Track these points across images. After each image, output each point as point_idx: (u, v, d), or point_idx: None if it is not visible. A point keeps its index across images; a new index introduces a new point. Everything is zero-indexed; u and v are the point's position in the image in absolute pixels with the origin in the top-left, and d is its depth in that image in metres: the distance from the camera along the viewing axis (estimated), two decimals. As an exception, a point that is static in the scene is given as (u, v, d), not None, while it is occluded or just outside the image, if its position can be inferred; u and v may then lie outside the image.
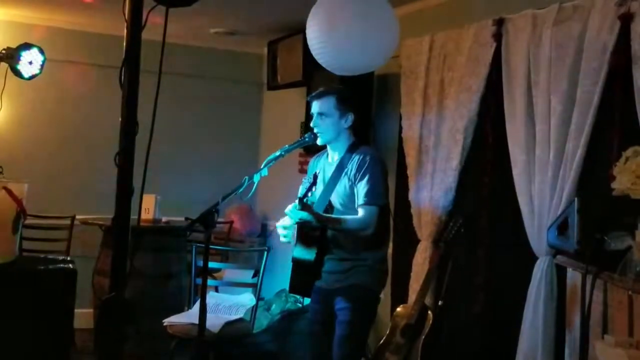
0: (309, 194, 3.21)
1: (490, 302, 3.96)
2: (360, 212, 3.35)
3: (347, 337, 3.41)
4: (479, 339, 4.00)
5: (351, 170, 3.42)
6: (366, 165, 3.38)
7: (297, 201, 3.25)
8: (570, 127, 3.36)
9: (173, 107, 6.32)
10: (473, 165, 4.13)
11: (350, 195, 3.41)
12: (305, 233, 3.37)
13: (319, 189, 3.50)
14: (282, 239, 3.45)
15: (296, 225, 3.38)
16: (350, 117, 3.49)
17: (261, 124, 7.32)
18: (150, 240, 5.25)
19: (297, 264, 3.41)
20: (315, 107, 3.48)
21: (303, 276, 3.42)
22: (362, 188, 3.35)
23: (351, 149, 3.50)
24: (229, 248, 5.99)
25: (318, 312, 3.61)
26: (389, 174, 3.60)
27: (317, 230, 3.35)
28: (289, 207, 3.33)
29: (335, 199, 3.47)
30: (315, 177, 3.34)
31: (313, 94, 3.55)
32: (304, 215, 3.25)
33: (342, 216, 3.40)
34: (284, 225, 3.41)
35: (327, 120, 3.45)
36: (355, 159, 3.43)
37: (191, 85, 6.80)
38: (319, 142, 3.51)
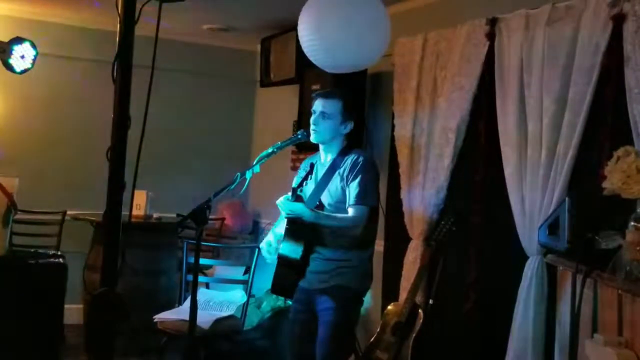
0: (305, 184, 3.21)
1: (481, 301, 3.97)
2: (351, 211, 3.34)
3: (331, 337, 3.39)
4: (470, 338, 4.01)
5: (344, 170, 3.41)
6: (359, 166, 3.37)
7: (289, 193, 3.23)
8: (562, 127, 3.37)
9: (166, 103, 6.30)
10: (465, 165, 4.13)
11: (341, 196, 3.40)
12: (294, 229, 3.37)
13: (310, 188, 3.50)
14: (266, 254, 3.51)
15: (286, 220, 3.39)
16: (350, 126, 3.48)
17: (254, 120, 7.31)
18: (142, 236, 5.25)
19: (283, 261, 3.41)
20: (320, 105, 3.44)
21: (287, 275, 3.42)
22: (353, 188, 3.35)
23: (344, 151, 3.49)
24: (220, 245, 5.98)
25: (300, 312, 3.58)
26: (380, 173, 3.60)
27: (305, 227, 3.35)
28: (281, 199, 3.33)
29: (326, 199, 3.46)
30: (312, 166, 3.33)
31: (321, 92, 3.51)
32: (295, 207, 3.24)
33: (333, 213, 3.40)
34: (269, 242, 3.47)
35: (328, 121, 3.43)
36: (349, 160, 3.42)
37: (184, 81, 6.78)
38: (312, 139, 3.49)
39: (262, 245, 3.59)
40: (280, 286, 3.49)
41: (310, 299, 3.48)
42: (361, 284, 3.49)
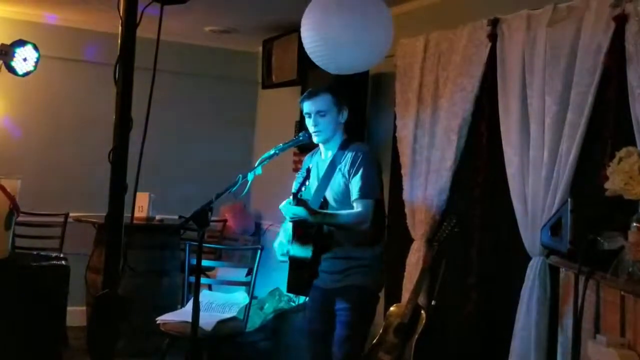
0: (303, 188, 3.22)
1: (483, 302, 3.96)
2: (356, 206, 3.35)
3: (348, 337, 3.41)
4: (472, 339, 4.00)
5: (345, 166, 3.42)
6: (359, 160, 3.38)
7: (291, 197, 3.24)
8: (564, 128, 3.37)
9: (167, 105, 6.30)
10: (467, 166, 4.13)
11: (345, 191, 3.41)
12: (301, 230, 3.38)
13: (313, 186, 3.50)
14: (279, 256, 3.51)
15: (291, 223, 3.39)
16: (346, 112, 3.51)
17: (256, 122, 7.31)
18: (144, 238, 5.25)
19: (294, 262, 3.42)
20: (311, 106, 3.46)
21: (300, 275, 3.43)
22: (356, 182, 3.36)
23: (344, 146, 3.50)
24: (222, 246, 5.98)
25: (316, 311, 3.60)
26: (383, 173, 3.60)
27: (312, 227, 3.35)
28: (283, 203, 3.34)
29: (330, 196, 3.47)
30: (308, 170, 3.34)
31: (306, 95, 3.53)
32: (298, 211, 3.25)
33: (337, 211, 3.40)
34: (281, 243, 3.49)
35: (327, 117, 3.45)
36: (349, 155, 3.43)
37: (186, 83, 6.79)
38: (317, 140, 3.50)
39: (275, 246, 3.58)
40: (295, 286, 3.51)
41: (327, 298, 3.50)
42: (375, 282, 3.52)
